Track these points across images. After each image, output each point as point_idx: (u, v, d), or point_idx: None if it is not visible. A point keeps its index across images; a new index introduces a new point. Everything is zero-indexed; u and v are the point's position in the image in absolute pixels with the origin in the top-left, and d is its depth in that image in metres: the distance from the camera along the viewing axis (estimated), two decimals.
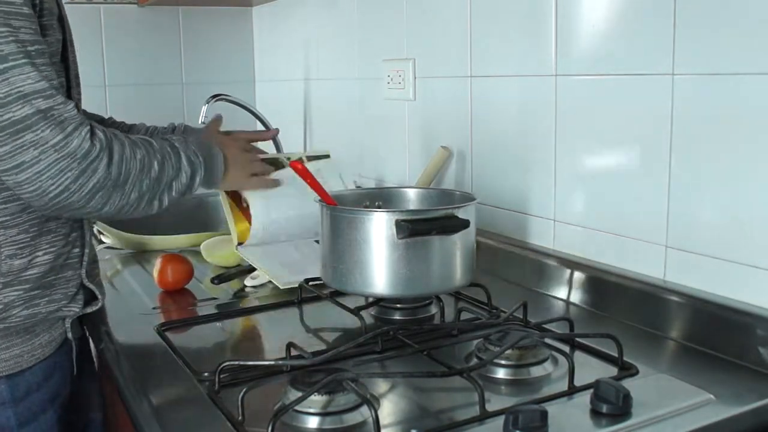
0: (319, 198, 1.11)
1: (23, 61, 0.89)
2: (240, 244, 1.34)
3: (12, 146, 0.89)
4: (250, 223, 1.34)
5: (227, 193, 1.35)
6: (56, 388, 1.07)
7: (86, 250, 1.10)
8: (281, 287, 1.24)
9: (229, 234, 1.36)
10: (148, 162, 1.01)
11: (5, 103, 0.88)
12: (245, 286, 1.30)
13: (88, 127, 0.93)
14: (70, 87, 1.06)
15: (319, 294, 1.16)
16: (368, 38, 1.73)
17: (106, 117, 1.38)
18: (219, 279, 1.29)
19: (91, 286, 1.12)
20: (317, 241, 1.15)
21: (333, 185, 1.34)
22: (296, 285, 1.20)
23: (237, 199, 1.37)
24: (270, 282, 1.27)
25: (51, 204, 0.93)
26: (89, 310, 1.11)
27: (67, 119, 0.91)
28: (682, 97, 0.98)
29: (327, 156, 1.49)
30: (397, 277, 1.02)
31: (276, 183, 1.33)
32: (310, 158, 1.49)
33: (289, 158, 1.46)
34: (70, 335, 1.09)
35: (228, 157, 1.20)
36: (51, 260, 1.03)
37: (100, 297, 1.13)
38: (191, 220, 2.06)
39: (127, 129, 1.36)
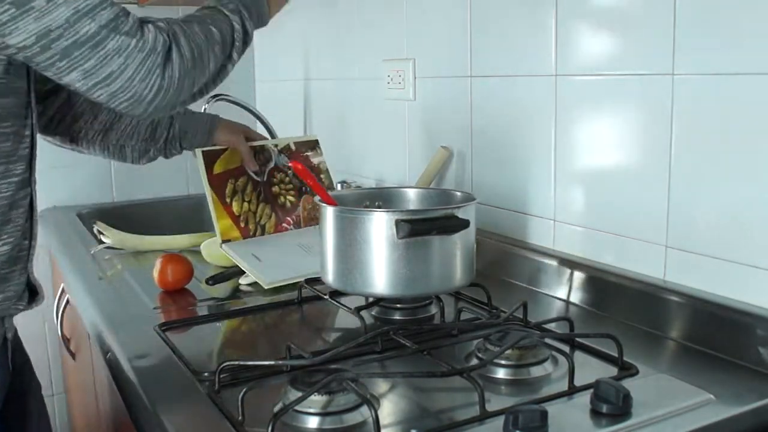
0: (319, 198, 1.11)
1: None
2: (225, 241, 1.34)
3: (96, 59, 0.89)
4: (233, 220, 1.35)
5: (211, 186, 1.35)
6: None
7: (33, 243, 1.06)
8: (265, 287, 1.24)
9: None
10: (207, 30, 1.03)
11: (78, 17, 0.88)
12: (239, 284, 1.30)
13: (150, 23, 0.95)
14: None
15: (319, 294, 1.17)
16: (368, 38, 1.73)
17: None
18: (214, 280, 1.29)
19: (37, 282, 1.09)
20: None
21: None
22: (281, 284, 1.20)
23: (221, 194, 1.36)
24: (259, 282, 1.27)
25: (151, 108, 0.96)
26: (34, 306, 1.08)
27: (133, 21, 0.93)
28: (682, 97, 0.99)
29: (315, 141, 1.49)
30: (397, 277, 1.02)
31: None
32: (298, 144, 1.50)
33: (276, 146, 1.47)
34: (9, 335, 1.04)
35: None
36: (8, 251, 0.99)
37: (41, 292, 1.10)
38: (191, 220, 2.06)
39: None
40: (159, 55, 0.94)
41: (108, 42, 0.90)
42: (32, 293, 1.09)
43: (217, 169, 1.39)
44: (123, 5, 0.94)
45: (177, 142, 1.38)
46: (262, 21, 1.16)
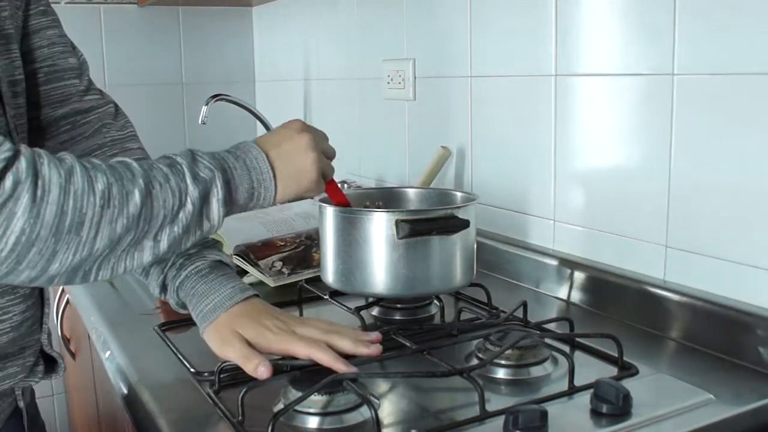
0: (325, 197, 1.07)
1: None
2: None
3: None
4: None
5: None
6: None
7: (46, 310, 0.90)
8: (228, 252, 1.28)
9: (227, 234, 1.36)
10: (120, 192, 0.68)
11: None
12: None
13: (8, 153, 0.63)
14: None
15: (319, 294, 1.17)
16: (368, 38, 1.73)
17: (134, 146, 1.05)
18: None
19: (53, 353, 0.93)
20: None
21: None
22: (282, 283, 1.25)
23: None
24: (264, 282, 1.27)
25: None
26: (50, 379, 0.94)
27: None
28: (682, 97, 0.99)
29: None
30: (397, 277, 1.02)
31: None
32: None
33: None
34: (21, 404, 0.92)
35: (279, 154, 0.83)
36: (9, 329, 0.83)
37: (60, 362, 0.94)
38: None
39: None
40: None
41: None
42: (49, 362, 0.93)
43: None
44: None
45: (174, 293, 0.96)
46: (256, 201, 0.81)
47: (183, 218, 0.74)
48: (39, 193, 0.64)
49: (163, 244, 0.73)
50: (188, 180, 0.75)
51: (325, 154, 0.90)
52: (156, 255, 0.73)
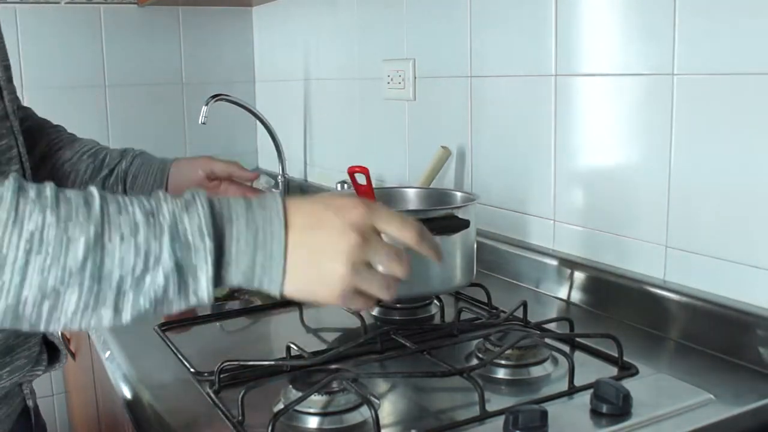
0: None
1: None
2: None
3: None
4: None
5: None
6: None
7: None
8: None
9: None
10: (59, 238, 0.55)
11: None
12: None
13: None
14: None
15: None
16: (368, 38, 1.73)
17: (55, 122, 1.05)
18: None
19: (54, 340, 0.90)
20: None
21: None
22: None
23: None
24: None
25: None
26: (54, 369, 0.91)
27: None
28: (682, 97, 0.98)
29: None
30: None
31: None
32: None
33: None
34: (30, 402, 0.91)
35: (304, 242, 0.63)
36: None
37: (62, 349, 0.91)
38: None
39: (68, 142, 1.07)
40: None
41: None
42: (52, 352, 0.91)
43: None
44: None
45: (120, 185, 1.06)
46: (255, 286, 0.62)
47: (151, 290, 0.58)
48: None
49: (126, 316, 0.58)
50: (165, 241, 0.58)
51: (376, 263, 0.65)
52: (118, 324, 0.59)
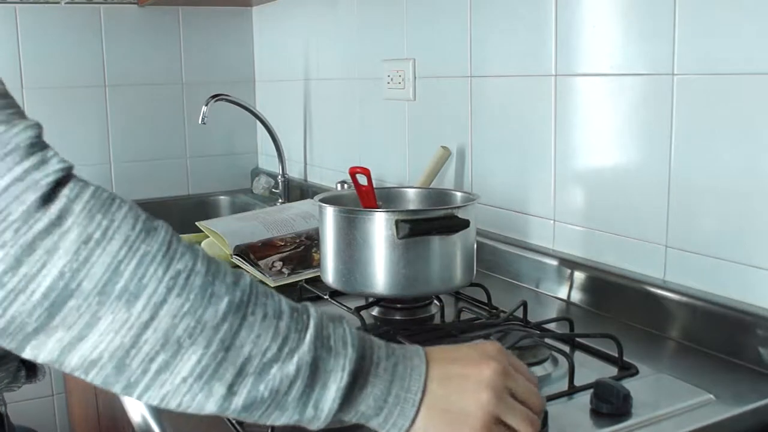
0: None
1: None
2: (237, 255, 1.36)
3: None
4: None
5: None
6: None
7: None
8: (228, 251, 1.32)
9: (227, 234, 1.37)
10: (204, 288, 0.52)
11: None
12: None
13: (61, 170, 0.51)
14: None
15: (319, 294, 1.17)
16: (368, 38, 1.73)
17: None
18: None
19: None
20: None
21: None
22: (281, 283, 1.25)
23: None
24: (264, 282, 1.27)
25: None
26: (32, 383, 0.88)
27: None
28: (682, 97, 0.99)
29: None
30: (397, 277, 1.02)
31: None
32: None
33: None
34: (3, 409, 0.91)
35: (444, 375, 0.61)
36: None
37: (40, 367, 0.88)
38: (191, 219, 2.06)
39: None
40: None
41: None
42: (30, 368, 0.87)
43: None
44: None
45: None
46: (381, 420, 0.58)
47: (276, 378, 0.53)
48: (97, 234, 0.49)
49: (237, 402, 0.53)
50: (308, 335, 0.54)
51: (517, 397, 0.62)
52: (224, 410, 0.53)
